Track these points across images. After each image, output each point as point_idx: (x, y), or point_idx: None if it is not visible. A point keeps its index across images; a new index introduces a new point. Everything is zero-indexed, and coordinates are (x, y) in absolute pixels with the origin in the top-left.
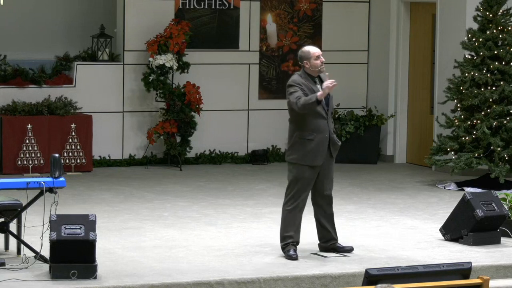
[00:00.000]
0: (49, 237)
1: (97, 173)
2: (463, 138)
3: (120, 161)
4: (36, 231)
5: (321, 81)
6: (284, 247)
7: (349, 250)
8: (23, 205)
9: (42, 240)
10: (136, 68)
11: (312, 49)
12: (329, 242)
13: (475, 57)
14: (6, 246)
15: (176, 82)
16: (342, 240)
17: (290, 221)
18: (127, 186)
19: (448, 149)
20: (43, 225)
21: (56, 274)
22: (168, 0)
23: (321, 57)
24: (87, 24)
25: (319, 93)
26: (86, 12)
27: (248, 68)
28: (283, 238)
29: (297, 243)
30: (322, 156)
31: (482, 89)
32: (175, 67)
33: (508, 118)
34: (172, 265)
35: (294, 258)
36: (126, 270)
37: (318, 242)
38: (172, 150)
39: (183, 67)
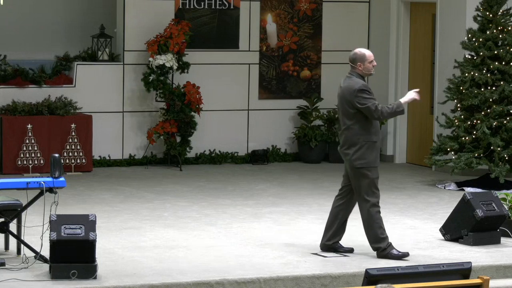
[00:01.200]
0: (49, 237)
1: (97, 173)
2: (463, 138)
3: (120, 161)
4: (36, 231)
5: None
6: (386, 248)
7: (350, 250)
8: (23, 205)
9: (42, 240)
10: (136, 68)
11: (367, 53)
12: (332, 240)
13: (475, 57)
14: (6, 246)
15: (176, 82)
16: (343, 240)
17: (381, 222)
18: (127, 186)
19: (448, 149)
20: (43, 225)
21: (56, 274)
22: (168, 0)
23: (374, 61)
24: (87, 24)
25: (404, 100)
26: (86, 12)
27: (248, 68)
28: (381, 239)
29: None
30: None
31: (482, 89)
32: (175, 67)
33: (508, 118)
34: (172, 265)
35: (406, 254)
36: (126, 270)
37: (324, 241)
38: (172, 150)
39: (183, 67)
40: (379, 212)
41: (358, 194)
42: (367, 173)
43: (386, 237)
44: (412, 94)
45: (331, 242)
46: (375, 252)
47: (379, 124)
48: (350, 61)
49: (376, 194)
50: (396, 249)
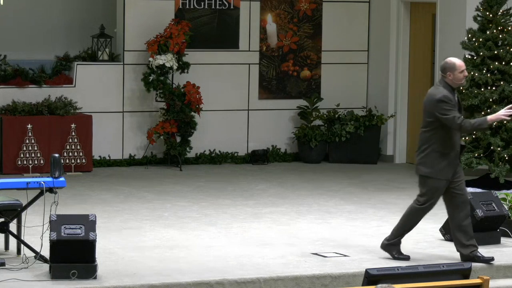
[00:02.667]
0: (49, 237)
1: (97, 173)
2: (463, 138)
3: (120, 161)
4: (36, 231)
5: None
6: (392, 245)
7: (489, 260)
8: (23, 205)
9: (42, 240)
10: (136, 68)
11: (458, 62)
12: (469, 249)
13: (475, 57)
14: (6, 246)
15: (176, 82)
16: (342, 240)
17: (414, 224)
18: (127, 186)
19: None
20: (43, 225)
21: (56, 274)
22: (168, 0)
23: (465, 71)
24: (87, 24)
25: (490, 118)
26: (86, 12)
27: (248, 68)
28: (396, 236)
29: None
30: (454, 168)
31: (482, 89)
32: (175, 67)
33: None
34: (172, 265)
35: (407, 257)
36: (126, 270)
37: (463, 252)
38: (172, 150)
39: (183, 67)
40: (420, 217)
41: (418, 194)
42: (429, 182)
43: (400, 237)
44: (501, 113)
45: (470, 251)
46: (383, 240)
47: (457, 137)
48: (441, 70)
49: (430, 203)
50: (399, 251)
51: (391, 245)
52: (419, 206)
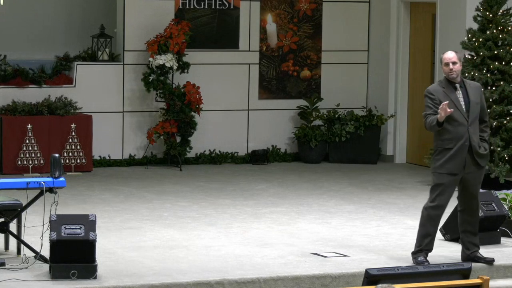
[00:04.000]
0: (49, 237)
1: (97, 173)
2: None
3: (120, 161)
4: (36, 231)
5: (465, 87)
6: (416, 252)
7: (490, 261)
8: (23, 205)
9: (42, 240)
10: (136, 68)
11: (445, 55)
12: (470, 250)
13: (475, 57)
14: (6, 246)
15: (176, 82)
16: (342, 240)
17: (427, 227)
18: (127, 186)
19: None
20: (43, 225)
21: (56, 274)
22: (168, 0)
23: (451, 64)
24: (87, 24)
25: (439, 116)
26: (86, 12)
27: (248, 68)
28: (416, 243)
29: (429, 250)
30: (461, 164)
31: (482, 89)
32: (175, 67)
33: (508, 118)
34: (172, 265)
35: (422, 263)
36: (126, 270)
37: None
38: (172, 150)
39: (183, 67)
40: (431, 216)
41: None
42: (433, 177)
43: (421, 245)
44: (441, 111)
45: (470, 252)
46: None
47: (463, 130)
48: None
49: (434, 198)
50: (422, 257)
51: (413, 252)
52: (426, 207)
